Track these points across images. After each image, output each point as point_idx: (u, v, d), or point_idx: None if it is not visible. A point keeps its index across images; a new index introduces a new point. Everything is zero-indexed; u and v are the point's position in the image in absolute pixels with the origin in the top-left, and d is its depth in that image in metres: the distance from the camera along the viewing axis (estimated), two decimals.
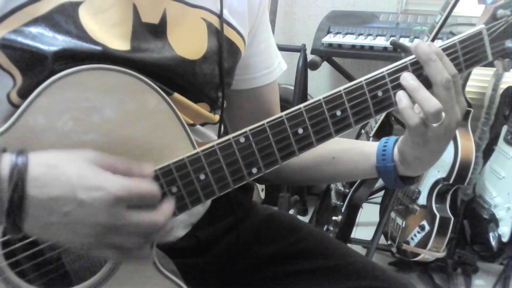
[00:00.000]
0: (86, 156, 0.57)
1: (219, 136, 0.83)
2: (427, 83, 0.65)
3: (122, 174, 0.58)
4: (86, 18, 0.64)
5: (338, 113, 0.66)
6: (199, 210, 0.84)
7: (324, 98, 0.65)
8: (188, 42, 0.73)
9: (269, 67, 0.89)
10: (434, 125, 0.65)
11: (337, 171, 0.85)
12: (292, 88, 1.95)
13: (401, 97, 0.66)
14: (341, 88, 0.66)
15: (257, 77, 0.88)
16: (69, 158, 0.56)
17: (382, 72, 0.66)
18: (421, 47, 0.65)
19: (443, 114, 0.65)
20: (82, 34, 0.63)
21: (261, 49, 0.88)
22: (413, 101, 0.66)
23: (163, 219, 0.59)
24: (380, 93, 0.66)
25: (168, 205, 0.61)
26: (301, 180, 0.93)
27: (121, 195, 0.55)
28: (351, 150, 0.82)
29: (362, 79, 0.66)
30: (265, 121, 0.64)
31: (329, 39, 1.90)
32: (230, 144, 0.64)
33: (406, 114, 0.65)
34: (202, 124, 0.80)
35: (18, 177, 0.52)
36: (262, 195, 2.26)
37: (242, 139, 0.64)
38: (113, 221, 0.55)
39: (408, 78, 0.65)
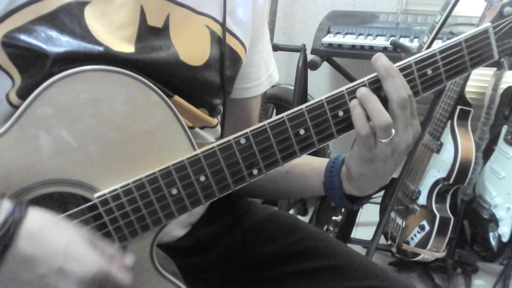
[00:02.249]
0: (80, 231, 0.58)
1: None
2: (384, 103, 0.64)
3: (107, 257, 0.58)
4: (91, 18, 0.64)
5: (340, 113, 0.65)
6: (199, 210, 0.84)
7: (326, 98, 0.65)
8: (190, 48, 0.73)
9: (259, 79, 0.89)
10: (383, 141, 0.64)
11: (290, 186, 0.85)
12: (292, 88, 1.95)
13: (354, 104, 0.64)
14: (343, 88, 0.65)
15: (249, 88, 0.88)
16: (65, 225, 0.57)
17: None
18: (382, 60, 0.64)
19: (393, 131, 0.64)
20: (85, 35, 0.63)
21: (256, 60, 0.87)
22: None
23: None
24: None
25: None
26: (257, 193, 0.93)
27: (99, 276, 0.55)
28: (304, 166, 0.82)
29: (364, 78, 0.65)
30: (266, 122, 0.64)
31: (329, 39, 1.90)
32: (231, 145, 0.63)
33: (358, 122, 0.64)
34: (201, 128, 0.80)
35: (12, 225, 0.52)
36: None
37: (242, 140, 0.63)
38: None
39: (362, 91, 0.64)
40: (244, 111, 0.91)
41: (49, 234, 0.54)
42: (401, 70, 0.65)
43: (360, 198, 0.77)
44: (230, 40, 0.78)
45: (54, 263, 0.53)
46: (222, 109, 0.83)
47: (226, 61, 0.77)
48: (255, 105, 0.93)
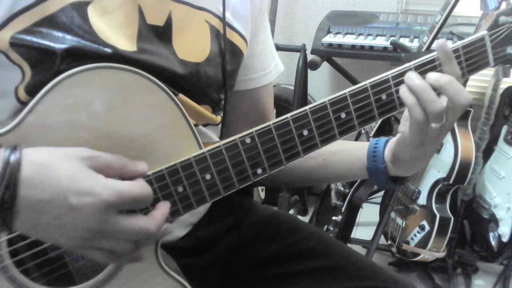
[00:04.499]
0: (79, 155, 0.56)
1: (221, 137, 0.83)
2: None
3: (117, 173, 0.57)
4: (95, 18, 0.64)
5: (343, 115, 0.66)
6: (200, 209, 0.84)
7: (329, 100, 0.65)
8: (192, 45, 0.73)
9: (265, 69, 0.90)
10: (435, 125, 0.65)
11: (328, 173, 0.86)
12: (292, 88, 1.95)
13: (407, 95, 0.65)
14: (346, 90, 0.66)
15: (254, 78, 0.89)
16: (63, 157, 0.55)
17: (387, 76, 0.66)
18: (446, 45, 0.66)
19: (444, 116, 0.65)
20: (91, 35, 0.63)
21: (259, 50, 0.88)
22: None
23: (154, 226, 0.58)
24: (384, 97, 0.66)
25: (161, 212, 0.60)
26: (292, 181, 0.93)
27: (112, 200, 0.54)
28: (342, 153, 0.83)
29: (366, 82, 0.66)
30: (270, 122, 0.65)
31: (329, 39, 1.90)
32: (236, 144, 0.64)
33: (414, 110, 0.65)
34: (204, 125, 0.80)
35: (10, 177, 0.52)
36: (262, 195, 2.27)
37: (248, 140, 0.64)
38: (103, 227, 0.54)
39: (413, 77, 0.65)
40: (255, 101, 0.92)
41: (48, 174, 0.53)
42: (397, 76, 0.67)
43: (402, 178, 0.79)
44: (230, 34, 0.79)
45: (63, 203, 0.53)
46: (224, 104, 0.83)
47: (227, 55, 0.78)
48: (266, 95, 0.93)
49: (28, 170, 0.53)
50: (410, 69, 0.66)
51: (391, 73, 0.66)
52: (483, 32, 0.69)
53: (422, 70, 0.67)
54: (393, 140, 0.76)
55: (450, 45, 0.68)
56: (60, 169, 0.54)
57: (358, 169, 0.81)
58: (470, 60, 0.68)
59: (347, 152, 0.83)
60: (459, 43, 0.68)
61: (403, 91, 0.65)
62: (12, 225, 0.53)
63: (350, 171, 0.83)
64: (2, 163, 0.52)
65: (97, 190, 0.54)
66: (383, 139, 0.79)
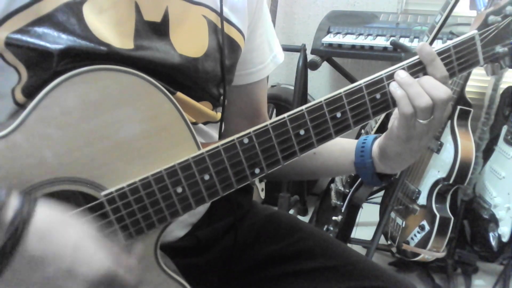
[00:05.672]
0: (88, 230, 0.58)
1: (220, 134, 0.84)
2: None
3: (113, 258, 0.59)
4: (90, 17, 0.64)
5: (338, 115, 0.67)
6: (199, 209, 0.84)
7: (325, 100, 0.66)
8: (190, 40, 0.73)
9: (263, 62, 0.90)
10: (422, 121, 0.67)
11: (318, 166, 0.87)
12: (292, 88, 1.95)
13: (396, 87, 0.67)
14: (342, 90, 0.67)
15: (253, 73, 0.89)
16: (73, 223, 0.57)
17: (381, 75, 0.68)
18: (426, 48, 0.67)
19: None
20: (86, 34, 0.63)
21: (257, 44, 0.88)
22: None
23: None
24: (378, 96, 0.68)
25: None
26: (283, 174, 0.93)
27: (106, 277, 0.56)
28: (332, 147, 0.84)
29: (361, 82, 0.67)
30: (268, 122, 0.65)
31: (329, 39, 1.90)
32: (234, 145, 0.64)
33: (403, 103, 0.67)
34: (205, 123, 0.80)
35: (20, 224, 0.52)
36: (262, 195, 2.26)
37: (246, 140, 0.65)
38: None
39: (401, 74, 0.67)
40: (251, 95, 0.92)
41: (57, 234, 0.54)
42: (391, 76, 0.68)
43: (389, 175, 0.80)
44: (228, 29, 0.79)
45: (62, 265, 0.53)
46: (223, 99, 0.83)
47: (225, 50, 0.78)
48: (262, 89, 0.94)
49: (40, 222, 0.53)
50: (403, 68, 0.68)
51: (385, 73, 0.68)
52: (473, 31, 0.70)
53: (414, 70, 0.68)
54: (381, 137, 0.77)
55: (441, 45, 0.69)
56: (71, 230, 0.56)
57: (347, 164, 0.82)
58: (461, 59, 0.69)
59: (338, 146, 0.84)
60: (450, 42, 0.69)
61: (392, 85, 0.67)
62: (1, 274, 0.52)
63: (338, 165, 0.84)
64: (14, 210, 0.52)
65: (97, 263, 0.56)
66: (372, 135, 0.81)
